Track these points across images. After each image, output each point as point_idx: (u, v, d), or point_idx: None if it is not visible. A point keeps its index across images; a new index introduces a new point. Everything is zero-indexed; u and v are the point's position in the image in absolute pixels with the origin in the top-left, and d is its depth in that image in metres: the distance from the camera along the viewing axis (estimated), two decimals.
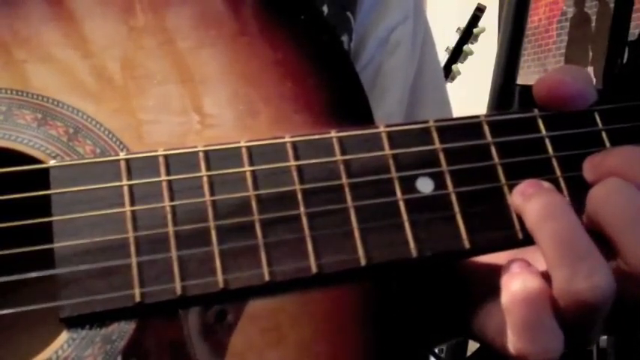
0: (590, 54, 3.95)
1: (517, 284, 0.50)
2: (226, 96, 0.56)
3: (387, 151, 0.53)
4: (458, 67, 3.21)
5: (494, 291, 0.53)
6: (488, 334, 0.54)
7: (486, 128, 0.54)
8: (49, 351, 0.48)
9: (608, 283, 0.48)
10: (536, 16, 4.20)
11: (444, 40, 3.19)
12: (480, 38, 3.24)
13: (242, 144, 0.52)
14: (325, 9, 0.77)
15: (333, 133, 0.53)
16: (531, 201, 0.51)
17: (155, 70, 0.55)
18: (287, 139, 0.52)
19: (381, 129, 0.53)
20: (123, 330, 0.49)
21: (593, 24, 3.93)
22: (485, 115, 0.55)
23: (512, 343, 0.50)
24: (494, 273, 0.54)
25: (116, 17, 0.56)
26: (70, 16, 0.56)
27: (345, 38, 0.80)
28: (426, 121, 0.54)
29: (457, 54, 3.22)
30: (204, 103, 0.55)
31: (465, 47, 3.22)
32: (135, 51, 0.56)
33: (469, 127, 0.54)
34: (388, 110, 0.82)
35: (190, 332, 0.50)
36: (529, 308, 0.49)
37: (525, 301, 0.49)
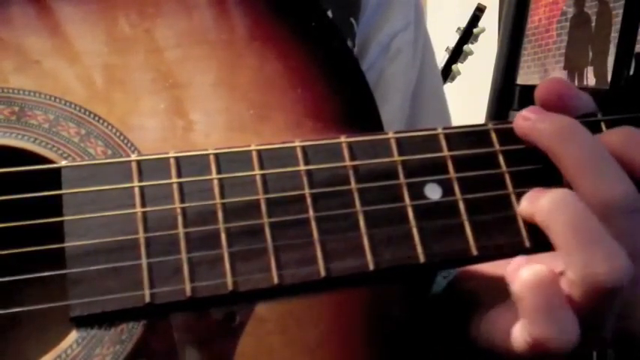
0: (590, 54, 3.95)
1: (526, 271, 0.49)
2: (234, 101, 0.56)
3: (396, 157, 0.53)
4: (458, 67, 3.21)
5: (500, 295, 0.53)
6: (498, 336, 0.54)
7: (494, 136, 0.55)
8: (58, 350, 0.49)
9: (627, 265, 0.48)
10: (536, 16, 4.20)
11: (444, 40, 3.19)
12: (480, 38, 3.24)
13: (252, 148, 0.52)
14: (330, 13, 0.78)
15: (343, 139, 0.53)
16: (540, 200, 0.51)
17: (163, 75, 0.56)
18: (297, 144, 0.53)
19: (390, 135, 0.54)
20: (132, 330, 0.49)
21: (593, 24, 3.92)
22: (494, 123, 0.55)
23: (528, 330, 0.49)
24: (499, 278, 0.54)
25: (106, 24, 0.57)
26: (61, 24, 0.56)
27: (348, 44, 0.80)
28: (434, 128, 0.55)
29: (457, 54, 3.22)
30: (210, 107, 0.56)
31: (465, 47, 3.21)
32: (139, 58, 0.56)
33: (477, 134, 0.55)
34: (389, 117, 0.83)
35: (194, 334, 0.50)
36: (541, 292, 0.49)
37: (537, 286, 0.49)
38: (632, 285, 0.49)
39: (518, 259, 0.51)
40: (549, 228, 0.50)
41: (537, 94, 0.55)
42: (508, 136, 0.55)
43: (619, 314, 0.51)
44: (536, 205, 0.51)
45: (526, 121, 0.54)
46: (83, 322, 0.49)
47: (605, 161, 0.51)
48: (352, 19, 0.81)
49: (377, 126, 0.58)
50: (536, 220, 0.51)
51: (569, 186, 0.52)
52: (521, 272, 0.50)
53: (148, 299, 0.49)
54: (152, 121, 0.54)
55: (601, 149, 0.51)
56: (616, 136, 0.53)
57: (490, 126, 0.55)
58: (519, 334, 0.51)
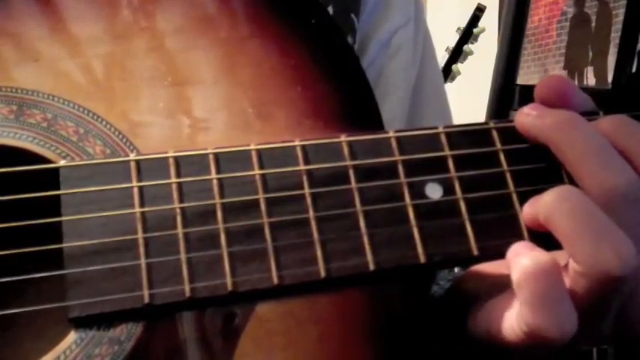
0: (590, 54, 3.95)
1: (526, 259, 0.49)
2: (235, 99, 0.56)
3: (397, 157, 0.53)
4: (458, 67, 3.21)
5: (497, 286, 0.53)
6: (494, 325, 0.53)
7: (495, 135, 0.54)
8: (58, 350, 0.49)
9: (634, 253, 0.48)
10: (536, 16, 4.20)
11: (444, 40, 3.19)
12: (480, 38, 3.24)
13: (252, 147, 0.52)
14: (330, 10, 0.78)
15: (343, 138, 0.53)
16: (541, 198, 0.51)
17: (162, 73, 0.56)
18: (297, 143, 0.52)
19: (391, 134, 0.54)
20: (131, 331, 0.49)
21: (593, 24, 3.93)
22: (494, 122, 0.55)
23: (525, 319, 0.49)
24: (499, 276, 0.54)
25: (107, 22, 0.56)
26: (61, 19, 0.56)
27: (349, 40, 0.80)
28: (435, 127, 0.54)
29: (457, 54, 3.22)
30: (210, 105, 0.55)
31: (465, 47, 3.22)
32: (138, 57, 0.56)
33: (478, 133, 0.55)
34: (390, 114, 0.82)
35: (192, 335, 0.50)
36: (541, 280, 0.48)
37: (537, 274, 0.48)
38: (635, 277, 0.49)
39: (521, 245, 0.51)
40: (552, 221, 0.50)
41: (537, 91, 0.55)
42: (509, 134, 0.54)
43: (619, 309, 0.51)
44: (538, 203, 0.51)
45: (527, 116, 0.54)
46: (82, 322, 0.49)
47: (607, 150, 0.51)
48: (353, 16, 0.81)
49: (377, 124, 0.58)
50: (540, 218, 0.51)
51: (571, 180, 0.52)
52: (522, 259, 0.49)
53: (147, 300, 0.48)
54: (151, 119, 0.54)
55: (603, 139, 0.51)
56: (609, 124, 0.53)
57: (491, 125, 0.55)
58: (516, 323, 0.50)
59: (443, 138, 0.54)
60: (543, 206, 0.51)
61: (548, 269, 0.48)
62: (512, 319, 0.51)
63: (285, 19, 0.59)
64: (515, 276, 0.49)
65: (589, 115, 0.54)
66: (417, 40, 0.88)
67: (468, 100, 2.83)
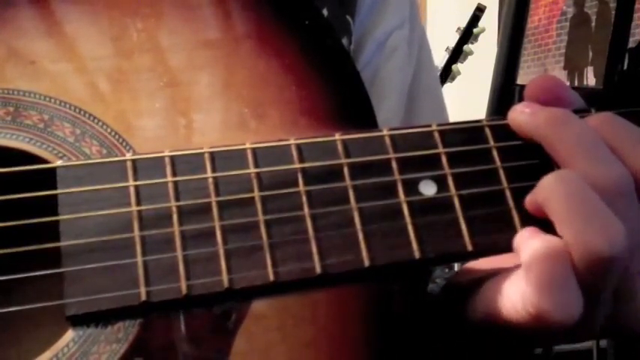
0: (590, 54, 3.96)
1: (537, 242, 0.49)
2: (230, 100, 0.56)
3: (391, 154, 0.53)
4: (458, 67, 3.21)
5: (492, 275, 0.54)
6: (493, 308, 0.53)
7: (488, 132, 0.55)
8: (55, 349, 0.49)
9: (624, 237, 0.48)
10: (536, 16, 4.21)
11: (444, 40, 3.20)
12: (480, 38, 3.24)
13: (247, 146, 0.52)
14: (325, 12, 0.78)
15: (338, 136, 0.53)
16: (542, 180, 0.51)
17: (158, 74, 0.56)
18: (291, 141, 0.53)
19: (385, 132, 0.54)
20: (128, 329, 0.49)
21: (593, 24, 3.93)
22: (488, 120, 0.55)
23: (532, 301, 0.49)
24: (495, 271, 0.54)
25: (103, 24, 0.57)
26: (57, 22, 0.56)
27: (344, 41, 0.80)
28: (429, 125, 0.55)
29: (457, 54, 3.22)
30: (206, 106, 0.56)
31: (465, 47, 3.22)
32: (134, 58, 0.56)
33: (471, 131, 0.55)
34: (386, 115, 0.83)
35: (189, 333, 0.50)
36: (552, 263, 0.48)
37: (548, 256, 0.48)
38: (625, 262, 0.49)
39: (529, 230, 0.51)
40: (548, 202, 0.50)
41: (528, 90, 0.56)
42: (502, 132, 0.55)
43: (614, 297, 0.51)
44: (538, 187, 0.51)
45: (521, 114, 0.54)
46: (79, 320, 0.49)
47: (599, 146, 0.51)
48: (348, 17, 0.81)
49: (372, 123, 0.58)
50: (538, 200, 0.51)
51: None
52: (533, 241, 0.50)
53: (143, 297, 0.49)
54: (147, 120, 0.55)
55: (594, 134, 0.52)
56: (597, 121, 0.53)
57: (484, 122, 0.55)
58: (521, 304, 0.50)
59: (436, 135, 0.54)
60: (542, 189, 0.51)
61: (558, 252, 0.49)
62: (516, 300, 0.51)
63: (280, 20, 0.59)
64: (526, 257, 0.49)
65: (580, 112, 0.55)
66: (412, 40, 0.88)
67: (468, 100, 2.83)
